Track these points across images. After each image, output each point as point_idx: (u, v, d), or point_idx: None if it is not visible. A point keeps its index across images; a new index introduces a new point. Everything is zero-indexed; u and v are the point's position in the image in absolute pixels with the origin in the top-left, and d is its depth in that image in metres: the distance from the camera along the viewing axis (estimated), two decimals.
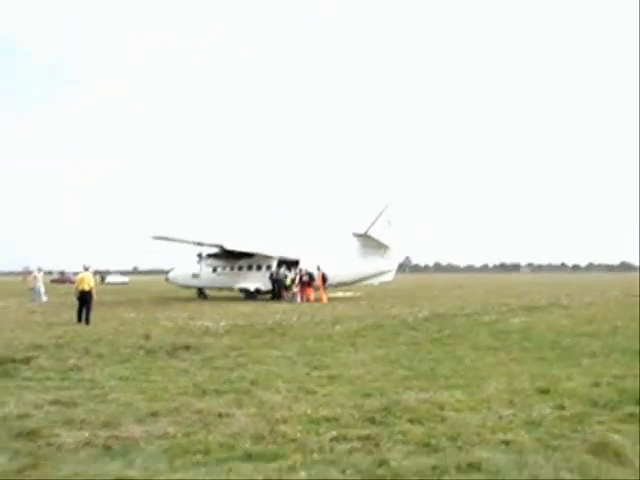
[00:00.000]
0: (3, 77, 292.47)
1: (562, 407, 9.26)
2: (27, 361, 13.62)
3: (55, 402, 9.79)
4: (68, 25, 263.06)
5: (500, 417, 8.74)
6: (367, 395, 10.19)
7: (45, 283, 39.61)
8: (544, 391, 10.36)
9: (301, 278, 38.56)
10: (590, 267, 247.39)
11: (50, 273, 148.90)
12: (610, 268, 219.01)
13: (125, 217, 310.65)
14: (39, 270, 40.08)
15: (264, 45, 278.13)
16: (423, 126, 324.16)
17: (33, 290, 38.58)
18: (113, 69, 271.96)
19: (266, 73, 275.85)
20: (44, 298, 37.91)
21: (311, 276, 38.77)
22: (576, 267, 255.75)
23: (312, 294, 38.15)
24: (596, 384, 10.84)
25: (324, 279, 39.11)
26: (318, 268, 39.25)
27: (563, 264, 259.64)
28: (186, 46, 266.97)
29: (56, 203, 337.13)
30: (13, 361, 13.55)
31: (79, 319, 23.36)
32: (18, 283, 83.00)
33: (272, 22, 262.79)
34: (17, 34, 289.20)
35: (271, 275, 40.69)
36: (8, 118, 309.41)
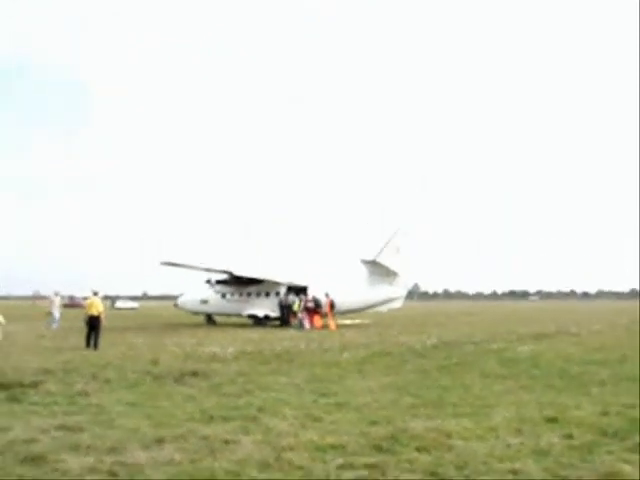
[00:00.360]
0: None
1: (571, 436, 9.18)
2: (35, 385, 13.64)
3: (61, 427, 9.78)
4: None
5: (508, 446, 8.68)
6: (374, 423, 10.14)
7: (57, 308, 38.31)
8: (552, 420, 10.28)
9: (305, 304, 38.59)
10: (599, 294, 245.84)
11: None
12: (619, 295, 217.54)
13: (133, 237, 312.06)
14: (56, 294, 39.08)
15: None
16: (431, 150, 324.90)
17: (51, 314, 37.57)
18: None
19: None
20: (54, 325, 36.63)
21: (317, 302, 38.74)
22: (585, 294, 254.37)
23: (319, 321, 38.06)
24: (605, 413, 10.76)
25: (332, 306, 38.95)
26: (326, 295, 39.18)
27: (572, 291, 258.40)
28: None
29: (65, 226, 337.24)
30: (21, 385, 13.58)
31: (88, 344, 23.37)
32: (27, 307, 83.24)
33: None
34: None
35: (280, 301, 40.68)
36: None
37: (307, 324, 37.65)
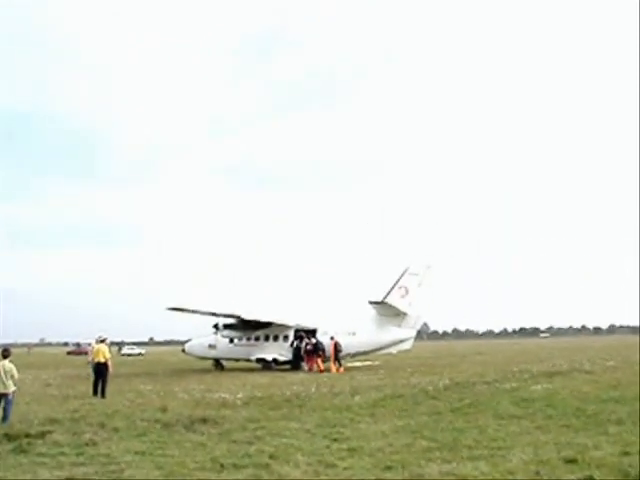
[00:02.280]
0: None
1: (591, 478, 8.99)
2: (42, 436, 13.45)
3: (69, 479, 9.59)
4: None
5: None
6: (388, 468, 9.93)
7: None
8: (571, 461, 10.06)
9: (305, 347, 38.45)
10: (612, 329, 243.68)
11: (66, 344, 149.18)
12: (633, 330, 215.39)
13: (139, 283, 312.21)
14: (98, 341, 37.71)
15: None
16: (440, 190, 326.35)
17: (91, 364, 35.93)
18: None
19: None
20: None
21: (316, 345, 38.58)
22: (597, 329, 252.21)
23: (319, 364, 37.79)
24: (626, 453, 10.52)
25: (336, 349, 38.60)
26: (331, 338, 38.99)
27: (584, 327, 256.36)
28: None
29: (70, 272, 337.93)
30: (27, 436, 13.40)
31: (95, 392, 23.17)
32: (31, 355, 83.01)
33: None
34: None
35: (291, 344, 40.46)
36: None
37: (306, 367, 37.60)
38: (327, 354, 38.41)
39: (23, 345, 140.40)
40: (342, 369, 37.33)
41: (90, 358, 34.54)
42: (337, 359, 38.22)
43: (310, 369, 37.35)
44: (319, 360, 38.15)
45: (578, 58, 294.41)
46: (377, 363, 44.72)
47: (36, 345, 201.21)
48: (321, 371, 36.71)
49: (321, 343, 38.83)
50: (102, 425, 14.96)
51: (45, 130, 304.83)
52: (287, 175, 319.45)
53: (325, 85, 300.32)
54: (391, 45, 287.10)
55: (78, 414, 17.09)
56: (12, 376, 16.18)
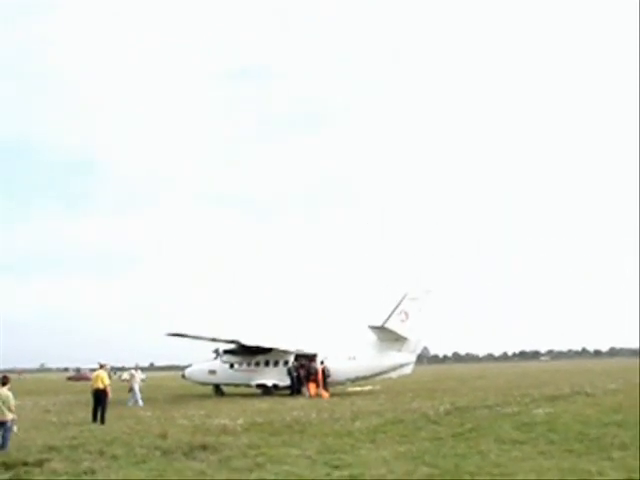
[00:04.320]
0: None
1: None
2: (40, 464, 13.36)
3: None
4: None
5: None
6: None
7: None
8: None
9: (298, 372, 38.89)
10: (613, 351, 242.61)
11: (66, 370, 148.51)
12: (634, 352, 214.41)
13: (139, 308, 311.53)
14: (136, 369, 36.67)
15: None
16: (439, 214, 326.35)
17: (132, 391, 34.13)
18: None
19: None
20: (139, 402, 33.15)
21: (309, 370, 38.84)
22: (598, 352, 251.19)
23: (313, 389, 37.81)
24: (630, 479, 10.41)
25: (324, 374, 38.56)
26: (321, 362, 39.08)
27: (584, 349, 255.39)
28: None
29: (73, 299, 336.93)
30: (25, 464, 13.32)
31: (94, 418, 23.03)
32: (30, 382, 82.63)
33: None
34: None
35: (288, 370, 40.33)
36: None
37: (307, 393, 37.77)
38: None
39: (23, 371, 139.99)
40: (327, 394, 37.34)
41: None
42: (324, 384, 38.28)
43: (311, 395, 37.20)
44: (313, 385, 38.13)
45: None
46: (377, 388, 44.50)
47: (37, 371, 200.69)
48: (312, 396, 36.85)
49: (314, 368, 38.90)
50: (101, 453, 14.85)
51: (42, 160, 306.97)
52: (279, 200, 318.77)
53: (312, 110, 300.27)
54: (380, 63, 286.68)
55: (77, 441, 16.98)
56: (9, 404, 16.09)
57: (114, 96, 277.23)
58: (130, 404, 32.34)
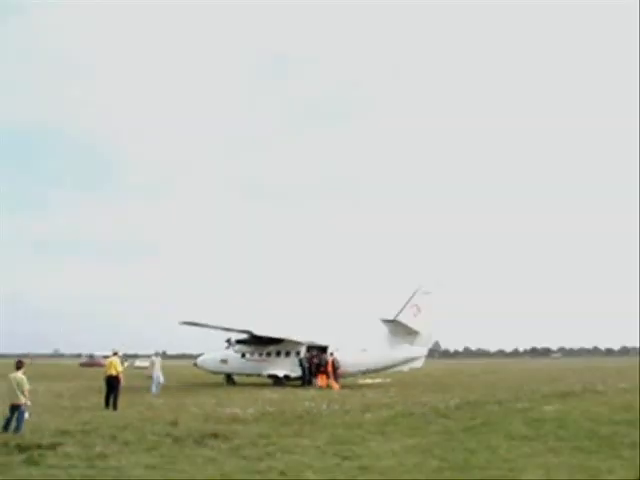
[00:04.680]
0: None
1: None
2: (53, 447, 13.51)
3: None
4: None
5: None
6: None
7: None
8: None
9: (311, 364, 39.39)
10: (624, 350, 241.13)
11: (79, 356, 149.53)
12: None
13: (153, 296, 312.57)
14: (157, 354, 35.82)
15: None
16: (451, 207, 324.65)
17: (152, 378, 33.29)
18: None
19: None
20: (153, 389, 32.17)
21: (319, 362, 39.24)
22: (610, 351, 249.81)
23: (323, 380, 38.02)
24: None
25: (334, 365, 38.66)
26: (331, 354, 39.19)
27: (595, 347, 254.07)
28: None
29: (87, 284, 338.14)
30: (39, 447, 13.47)
31: (107, 404, 23.23)
32: (43, 366, 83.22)
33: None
34: None
35: (300, 361, 40.44)
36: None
37: (318, 384, 38.02)
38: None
39: (35, 356, 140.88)
40: (337, 386, 37.47)
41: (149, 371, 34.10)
42: (335, 376, 38.48)
43: (321, 386, 37.35)
44: (323, 377, 38.29)
45: (577, 67, 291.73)
46: (388, 381, 44.57)
47: (51, 356, 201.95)
48: (322, 387, 37.07)
49: (325, 359, 39.10)
50: (113, 438, 15.00)
51: (63, 145, 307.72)
52: (299, 191, 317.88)
53: (340, 101, 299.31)
54: (400, 61, 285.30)
55: (89, 426, 17.14)
56: (23, 388, 16.29)
57: (132, 81, 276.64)
58: (154, 391, 31.84)
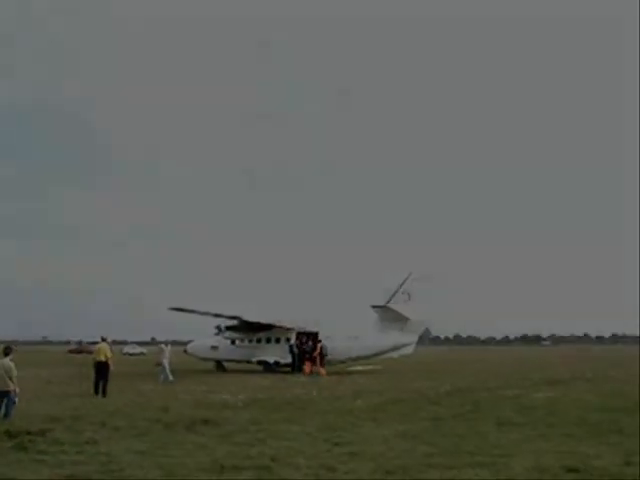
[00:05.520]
0: None
1: None
2: (43, 433, 13.45)
3: (70, 478, 9.58)
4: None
5: None
6: (390, 473, 9.89)
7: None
8: (573, 470, 10.01)
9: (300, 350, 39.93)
10: (615, 338, 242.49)
11: (68, 343, 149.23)
12: (635, 340, 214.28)
13: (142, 282, 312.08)
14: (166, 344, 34.95)
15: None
16: (445, 193, 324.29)
17: (161, 366, 32.56)
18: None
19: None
20: (169, 377, 31.53)
21: (306, 348, 39.62)
22: (600, 338, 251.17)
23: (308, 366, 38.38)
24: (628, 463, 10.46)
25: (321, 352, 38.77)
26: (319, 341, 39.51)
27: (586, 335, 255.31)
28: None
29: (74, 271, 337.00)
30: (28, 433, 13.39)
31: (96, 391, 23.14)
32: (33, 352, 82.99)
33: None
34: None
35: (290, 348, 40.47)
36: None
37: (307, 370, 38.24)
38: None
39: (19, 343, 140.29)
40: (324, 371, 37.64)
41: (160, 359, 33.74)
42: (322, 362, 38.70)
43: (307, 373, 37.47)
44: (309, 363, 38.45)
45: (578, 68, 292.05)
46: (379, 367, 44.72)
47: (38, 343, 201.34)
48: (307, 374, 37.31)
49: (312, 346, 39.34)
50: (103, 424, 14.97)
51: (62, 131, 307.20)
52: (288, 175, 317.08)
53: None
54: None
55: (78, 412, 17.11)
56: (11, 374, 16.20)
57: (130, 64, 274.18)
58: (161, 380, 31.15)
